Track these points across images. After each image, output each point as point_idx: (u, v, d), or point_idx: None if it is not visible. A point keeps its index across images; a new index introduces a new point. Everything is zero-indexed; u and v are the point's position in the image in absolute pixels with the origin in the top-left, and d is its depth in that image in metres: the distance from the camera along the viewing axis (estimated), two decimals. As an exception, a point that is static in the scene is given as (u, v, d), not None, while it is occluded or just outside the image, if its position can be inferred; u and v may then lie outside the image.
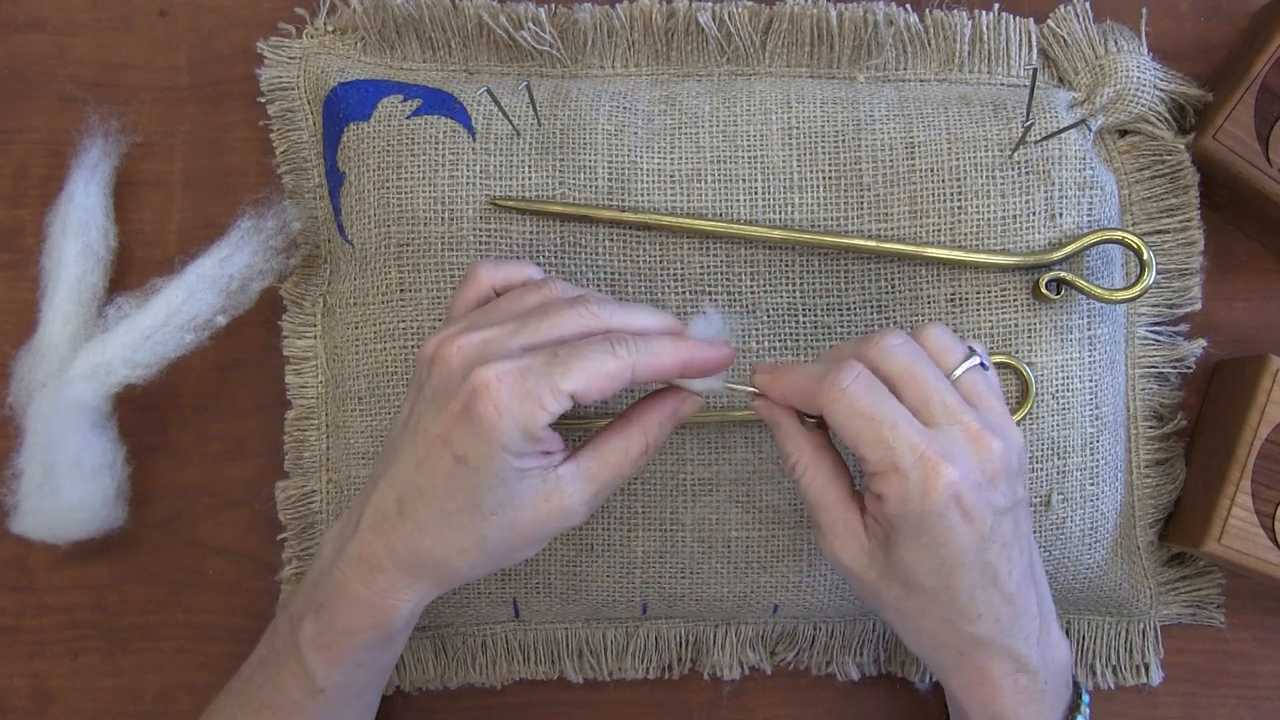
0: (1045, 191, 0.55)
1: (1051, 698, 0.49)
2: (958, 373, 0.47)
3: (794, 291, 0.56)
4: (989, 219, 0.54)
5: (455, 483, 0.45)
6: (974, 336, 0.55)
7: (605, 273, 0.55)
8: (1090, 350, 0.56)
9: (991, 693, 0.48)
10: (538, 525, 0.46)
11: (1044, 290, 0.54)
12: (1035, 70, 0.49)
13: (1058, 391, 0.55)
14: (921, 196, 0.55)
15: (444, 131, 0.55)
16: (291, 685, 0.49)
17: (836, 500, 0.47)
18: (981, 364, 0.48)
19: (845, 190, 0.55)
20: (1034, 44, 0.59)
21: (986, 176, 0.54)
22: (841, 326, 0.56)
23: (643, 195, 0.55)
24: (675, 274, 0.55)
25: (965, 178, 0.54)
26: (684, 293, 0.55)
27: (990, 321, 0.55)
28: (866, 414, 0.44)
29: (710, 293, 0.55)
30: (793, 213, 0.55)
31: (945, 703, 0.54)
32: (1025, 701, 0.48)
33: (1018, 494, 0.46)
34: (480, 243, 0.55)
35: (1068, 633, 0.60)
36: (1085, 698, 0.51)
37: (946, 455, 0.44)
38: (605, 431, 0.48)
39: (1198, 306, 0.59)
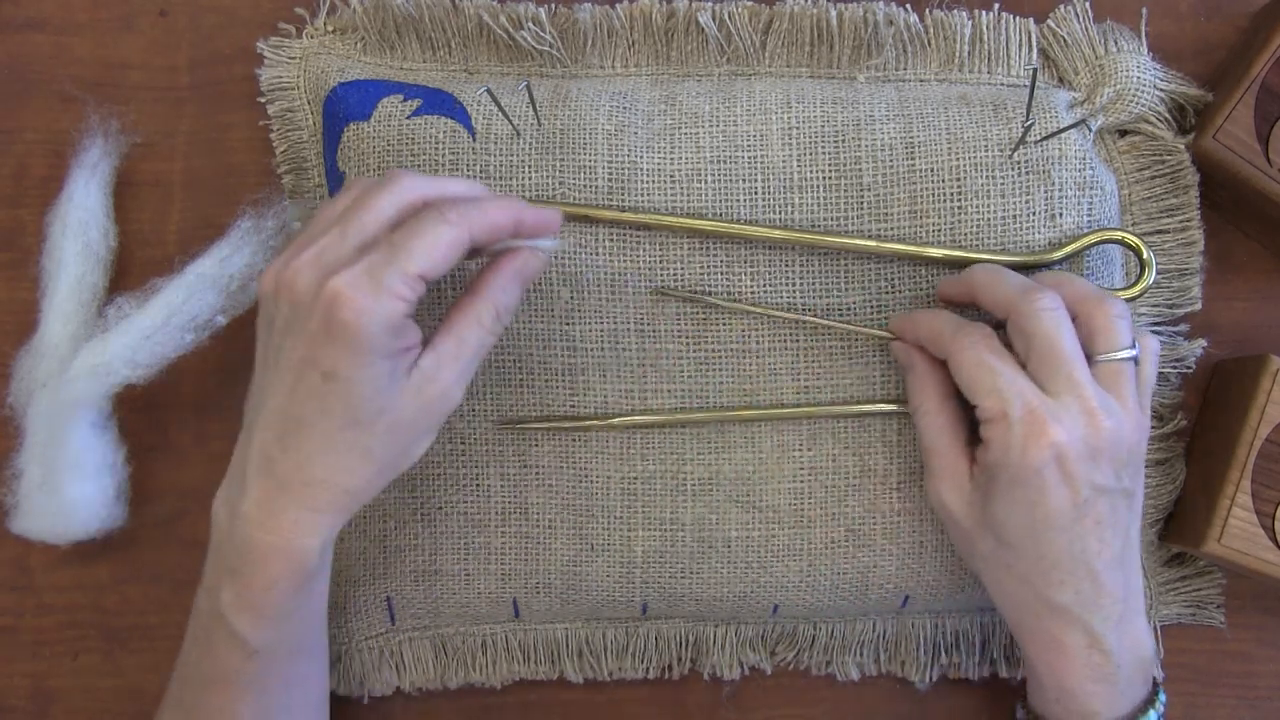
0: (1045, 191, 0.55)
1: (1124, 684, 0.49)
2: (1104, 358, 0.48)
3: (794, 291, 0.56)
4: (989, 219, 0.54)
5: (329, 401, 0.45)
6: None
7: (605, 273, 0.55)
8: (1090, 350, 0.56)
9: (1063, 662, 0.49)
10: (417, 419, 0.46)
11: (1044, 290, 0.54)
12: (1035, 70, 0.49)
13: (1058, 391, 0.55)
14: (921, 196, 0.55)
15: (444, 131, 0.55)
16: (225, 654, 0.48)
17: (950, 446, 0.51)
18: (1135, 359, 0.49)
19: (845, 190, 0.55)
20: (1034, 44, 0.59)
21: (986, 176, 0.54)
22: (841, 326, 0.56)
23: (643, 195, 0.55)
24: (675, 274, 0.55)
25: (965, 178, 0.54)
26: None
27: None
28: (986, 364, 0.48)
29: (710, 293, 0.55)
30: (793, 213, 0.55)
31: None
32: (1095, 679, 0.49)
33: (1123, 482, 0.48)
34: (480, 243, 0.55)
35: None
36: (1161, 696, 0.51)
37: (1055, 417, 0.46)
38: (455, 308, 0.48)
39: (1198, 306, 0.59)
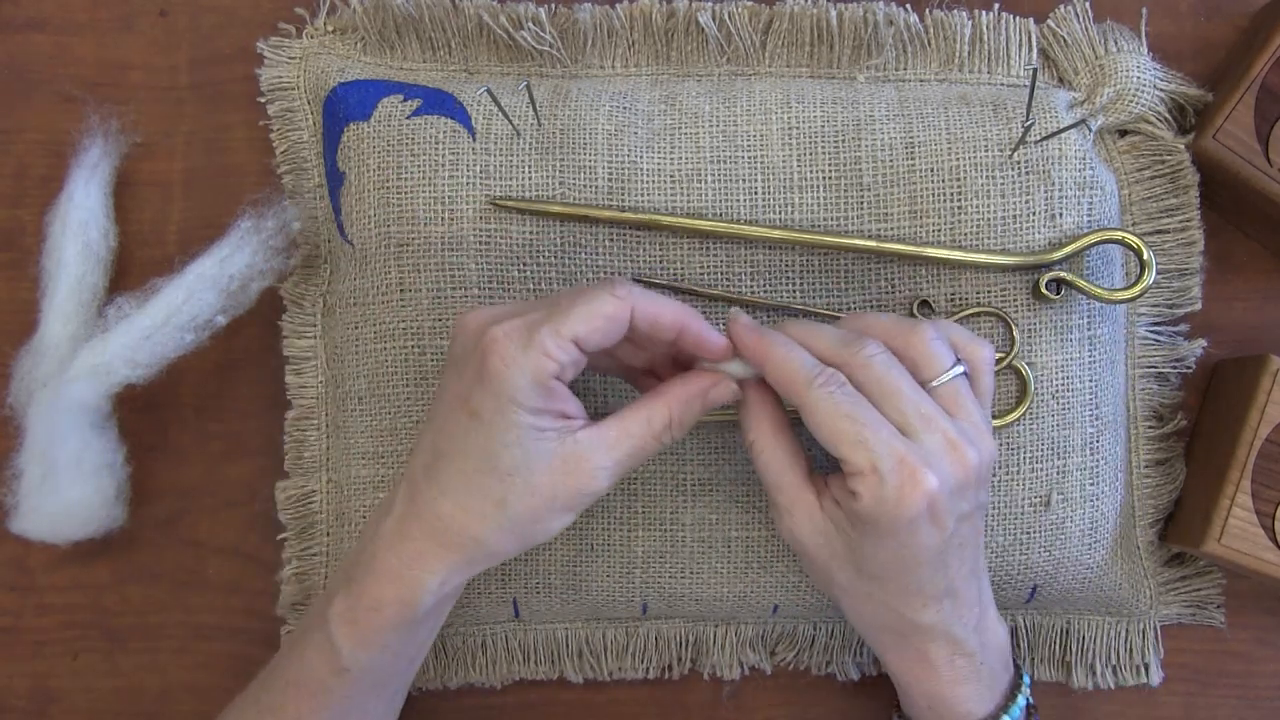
0: (1045, 191, 0.55)
1: (989, 678, 0.51)
2: (936, 382, 0.48)
3: (794, 291, 0.56)
4: (989, 219, 0.54)
5: (471, 440, 0.45)
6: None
7: (605, 273, 0.55)
8: (1090, 350, 0.56)
9: (929, 673, 0.50)
10: (557, 488, 0.46)
11: (1044, 290, 0.54)
12: (1035, 70, 0.49)
13: (1058, 391, 0.55)
14: (921, 196, 0.55)
15: (444, 131, 0.55)
16: (317, 662, 0.49)
17: (794, 482, 0.49)
18: (965, 373, 0.49)
19: (845, 190, 0.55)
20: (1034, 44, 0.59)
21: (986, 176, 0.54)
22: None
23: (643, 195, 0.55)
24: (675, 274, 0.55)
25: (965, 178, 0.54)
26: (685, 293, 0.55)
27: (990, 321, 0.55)
28: (847, 414, 0.45)
29: (707, 292, 0.55)
30: (793, 213, 0.55)
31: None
32: (961, 682, 0.50)
33: (980, 499, 0.48)
34: (480, 243, 0.55)
35: (1067, 632, 0.60)
36: (1025, 678, 0.53)
37: (926, 463, 0.45)
38: (632, 403, 0.48)
39: (1198, 306, 0.59)
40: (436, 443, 0.47)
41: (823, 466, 0.52)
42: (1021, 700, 0.51)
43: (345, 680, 0.48)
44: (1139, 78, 0.58)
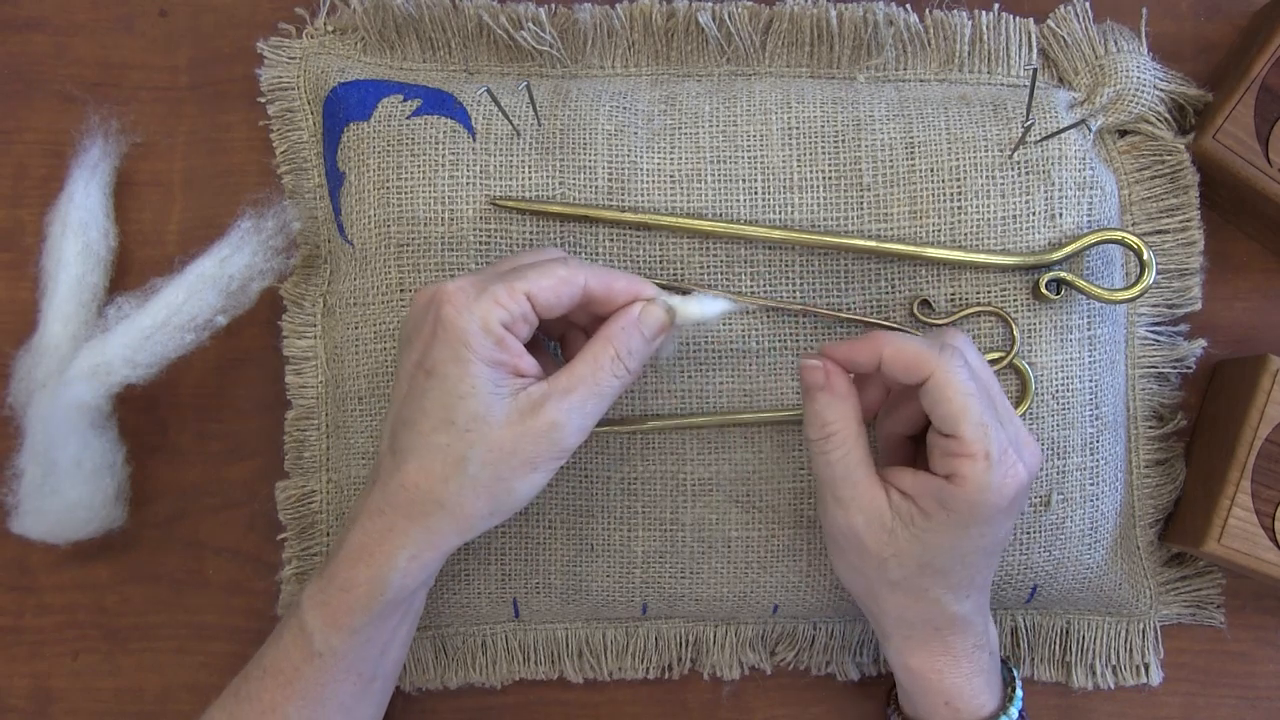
0: (1045, 191, 0.55)
1: (994, 671, 0.53)
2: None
3: (794, 291, 0.56)
4: (989, 219, 0.54)
5: (429, 400, 0.46)
6: (974, 337, 0.55)
7: (605, 273, 0.55)
8: (1090, 350, 0.56)
9: (952, 666, 0.50)
10: (517, 443, 0.46)
11: (1044, 290, 0.54)
12: (1035, 70, 0.49)
13: (1058, 391, 0.55)
14: (921, 196, 0.55)
15: (444, 131, 0.55)
16: (291, 646, 0.49)
17: (866, 477, 0.48)
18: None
19: (845, 190, 0.55)
20: (1034, 44, 0.59)
21: (986, 176, 0.54)
22: (842, 326, 0.56)
23: (643, 195, 0.55)
24: (675, 274, 0.55)
25: (965, 178, 0.54)
26: (685, 293, 0.55)
27: (990, 321, 0.55)
28: (974, 393, 0.46)
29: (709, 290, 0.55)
30: (793, 213, 0.55)
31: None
32: (978, 674, 0.51)
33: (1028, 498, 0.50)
34: (480, 243, 0.55)
35: (1067, 632, 0.60)
36: (1015, 671, 0.54)
37: (1020, 455, 0.47)
38: (578, 353, 0.49)
39: (1198, 306, 0.59)
40: (400, 414, 0.47)
41: None
42: (1019, 693, 0.52)
43: (317, 665, 0.49)
44: (1139, 78, 0.58)
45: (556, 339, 0.54)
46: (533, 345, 0.49)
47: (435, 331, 0.46)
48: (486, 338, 0.45)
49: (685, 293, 0.52)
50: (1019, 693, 0.52)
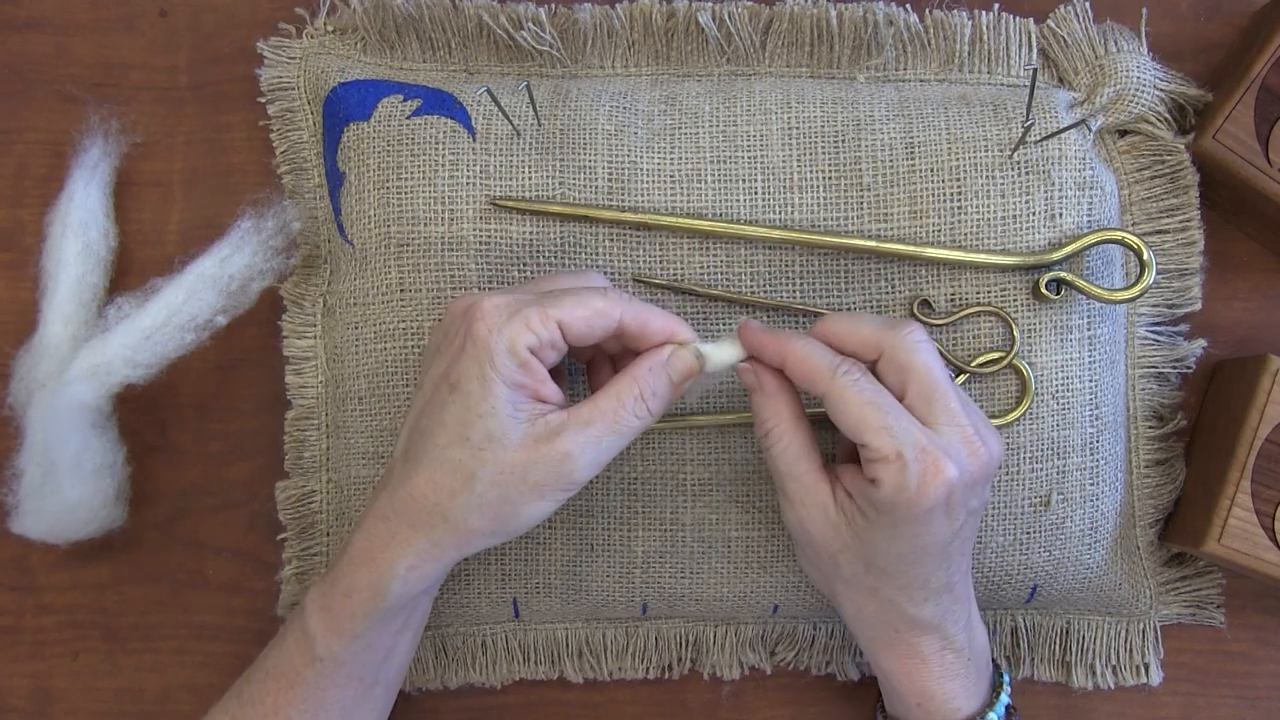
0: (1045, 191, 0.55)
1: (975, 674, 0.51)
2: (960, 380, 0.49)
3: (794, 291, 0.56)
4: (989, 219, 0.54)
5: (448, 413, 0.46)
6: (974, 337, 0.55)
7: (605, 273, 0.55)
8: (1090, 350, 0.56)
9: (921, 668, 0.50)
10: (529, 468, 0.46)
11: (1044, 290, 0.54)
12: (1035, 70, 0.49)
13: (1058, 391, 0.55)
14: (921, 196, 0.55)
15: (444, 131, 0.55)
16: (294, 650, 0.49)
17: (809, 472, 0.49)
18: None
19: (845, 190, 0.55)
20: (1034, 44, 0.59)
21: (986, 176, 0.54)
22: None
23: (643, 195, 0.55)
24: (675, 274, 0.55)
25: (965, 178, 0.54)
26: (684, 293, 0.55)
27: (990, 321, 0.55)
28: (872, 401, 0.46)
29: (706, 289, 0.55)
30: (793, 213, 0.55)
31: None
32: (950, 678, 0.50)
33: (985, 495, 0.49)
34: (480, 243, 0.55)
35: (1067, 632, 0.60)
36: (1005, 677, 0.54)
37: (946, 454, 0.46)
38: (602, 388, 0.48)
39: (1198, 306, 0.59)
40: (418, 423, 0.48)
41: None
42: (1004, 698, 0.52)
43: (318, 669, 0.49)
44: (1139, 78, 0.58)
45: (584, 363, 0.54)
46: (558, 370, 0.49)
47: (464, 346, 0.46)
48: (511, 359, 0.45)
49: (689, 294, 0.52)
50: (1003, 698, 0.52)
